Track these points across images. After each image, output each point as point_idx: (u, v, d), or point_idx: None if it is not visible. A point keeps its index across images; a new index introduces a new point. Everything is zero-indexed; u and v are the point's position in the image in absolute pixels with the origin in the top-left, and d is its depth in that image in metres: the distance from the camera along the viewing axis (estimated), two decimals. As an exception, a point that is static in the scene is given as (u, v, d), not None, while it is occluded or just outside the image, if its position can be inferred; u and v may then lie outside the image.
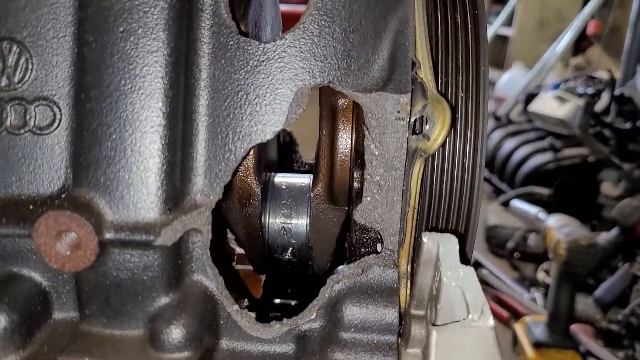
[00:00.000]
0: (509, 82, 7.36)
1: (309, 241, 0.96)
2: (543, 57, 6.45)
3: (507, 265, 4.18)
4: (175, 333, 0.68)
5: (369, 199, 0.75)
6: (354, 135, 0.86)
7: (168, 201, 0.69)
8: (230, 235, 1.10)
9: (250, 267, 1.12)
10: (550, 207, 4.13)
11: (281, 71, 0.71)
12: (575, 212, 4.29)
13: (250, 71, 0.71)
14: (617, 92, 4.67)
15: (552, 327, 2.98)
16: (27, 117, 0.71)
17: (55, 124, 0.71)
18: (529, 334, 3.07)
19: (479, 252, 4.23)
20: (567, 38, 6.23)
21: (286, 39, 0.72)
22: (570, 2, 8.64)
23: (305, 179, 1.01)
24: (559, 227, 2.93)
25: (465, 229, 0.73)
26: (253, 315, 0.74)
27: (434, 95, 0.70)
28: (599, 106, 4.76)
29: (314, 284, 1.00)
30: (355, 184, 0.83)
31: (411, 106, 0.71)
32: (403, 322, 0.73)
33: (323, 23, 0.72)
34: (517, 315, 3.50)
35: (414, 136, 0.71)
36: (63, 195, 0.70)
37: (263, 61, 0.71)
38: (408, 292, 0.73)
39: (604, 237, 3.44)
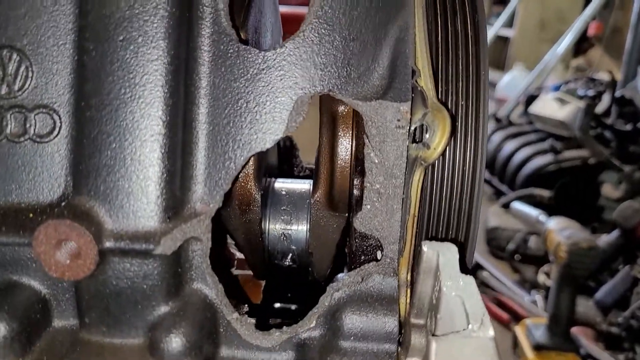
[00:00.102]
0: (509, 83, 7.36)
1: (309, 247, 0.96)
2: (544, 58, 6.45)
3: (508, 268, 4.18)
4: (175, 342, 0.68)
5: (369, 206, 0.75)
6: (354, 142, 0.85)
7: (168, 210, 0.69)
8: (230, 240, 1.10)
9: (250, 272, 1.12)
10: (550, 209, 4.13)
11: (281, 79, 0.71)
12: (576, 214, 4.29)
13: (250, 79, 0.71)
14: (618, 94, 4.67)
15: (553, 329, 2.98)
16: (27, 125, 0.71)
17: (55, 132, 0.71)
18: (529, 336, 3.07)
19: (479, 254, 4.22)
20: (567, 39, 6.23)
21: (286, 47, 0.71)
22: (571, 3, 8.65)
23: (305, 185, 1.00)
24: (560, 230, 2.93)
25: (465, 237, 0.73)
26: (253, 321, 0.74)
27: (434, 103, 0.70)
28: (600, 108, 4.76)
29: (314, 290, 1.00)
30: (355, 192, 0.83)
31: (411, 114, 0.71)
32: (403, 331, 0.73)
33: (323, 31, 0.71)
34: (517, 317, 3.50)
35: (414, 145, 0.71)
36: (63, 204, 0.70)
37: (263, 69, 0.71)
38: (408, 300, 0.73)
39: (605, 240, 3.44)
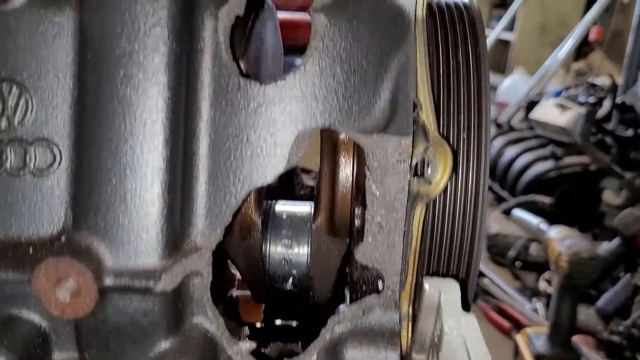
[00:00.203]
0: (510, 87, 7.37)
1: (310, 272, 0.95)
2: (545, 63, 6.45)
3: (509, 274, 4.18)
4: (176, 378, 0.67)
5: (370, 239, 0.74)
6: (355, 169, 0.85)
7: (168, 246, 0.69)
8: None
9: (251, 292, 1.11)
10: (551, 216, 4.13)
11: (282, 114, 0.71)
12: (577, 220, 4.30)
13: (251, 113, 0.71)
14: (618, 100, 4.67)
15: (554, 339, 2.98)
16: (27, 159, 0.71)
17: (55, 166, 0.71)
18: (530, 345, 3.07)
19: (480, 260, 4.22)
20: (569, 45, 6.23)
21: (287, 81, 0.71)
22: (572, 7, 8.66)
23: (306, 208, 1.00)
24: (561, 239, 2.93)
25: (466, 273, 0.73)
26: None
27: (436, 137, 0.70)
28: (601, 112, 4.76)
29: (314, 313, 1.00)
30: (357, 222, 0.82)
31: (413, 148, 0.70)
32: (404, 366, 0.72)
33: (324, 65, 0.71)
34: (518, 325, 3.49)
35: (415, 179, 0.71)
36: (63, 238, 0.70)
37: (264, 104, 0.71)
38: (409, 334, 0.73)
39: (606, 247, 3.44)
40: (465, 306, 0.64)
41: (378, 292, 0.76)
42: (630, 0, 6.11)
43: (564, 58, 6.37)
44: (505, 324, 3.53)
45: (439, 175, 0.68)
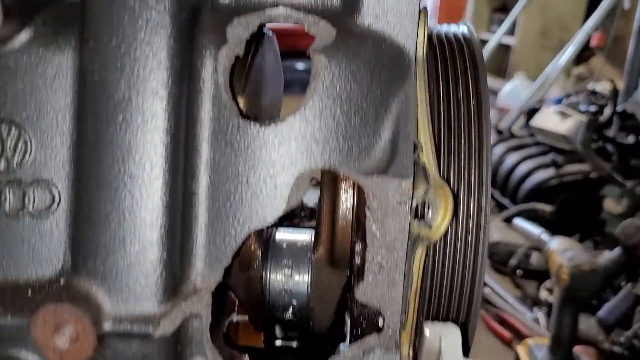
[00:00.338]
0: (511, 92, 7.37)
1: (310, 302, 0.95)
2: (545, 70, 6.44)
3: (510, 283, 4.17)
4: (175, 423, 0.67)
5: (370, 278, 0.74)
6: (355, 203, 0.85)
7: (167, 290, 0.68)
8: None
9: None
10: (552, 224, 4.13)
11: (282, 155, 0.71)
12: (578, 228, 4.29)
13: (250, 155, 0.71)
14: (619, 108, 4.66)
15: (555, 351, 2.97)
16: (26, 200, 0.71)
17: (54, 207, 0.71)
18: (531, 356, 3.06)
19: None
20: (570, 51, 6.23)
21: (287, 122, 0.71)
22: (573, 11, 8.65)
23: (306, 236, 1.00)
24: (562, 251, 2.92)
25: (466, 317, 0.73)
26: None
27: (437, 180, 0.70)
28: (601, 118, 4.76)
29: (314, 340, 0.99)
30: (357, 259, 0.82)
31: (413, 190, 0.70)
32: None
33: (324, 106, 0.71)
34: (519, 335, 3.48)
35: (416, 221, 0.70)
36: (62, 280, 0.70)
37: (263, 145, 0.71)
38: (410, 377, 0.73)
39: (607, 257, 3.43)
40: (466, 351, 0.64)
41: (378, 329, 0.76)
42: (631, 6, 6.11)
43: (565, 64, 6.36)
44: (506, 334, 3.52)
45: (440, 219, 0.68)
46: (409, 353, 0.73)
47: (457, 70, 0.78)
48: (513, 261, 4.15)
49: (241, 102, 0.79)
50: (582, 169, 4.66)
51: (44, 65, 0.71)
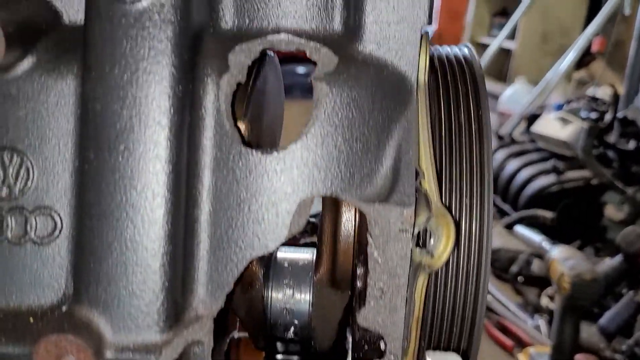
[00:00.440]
0: (512, 97, 7.37)
1: (312, 322, 0.95)
2: (546, 76, 6.44)
3: (511, 290, 4.17)
4: None
5: (372, 303, 0.74)
6: (356, 224, 0.85)
7: (169, 318, 0.68)
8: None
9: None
10: (553, 230, 4.12)
11: (283, 183, 0.71)
12: (579, 235, 4.29)
13: (252, 182, 0.71)
14: (620, 114, 4.66)
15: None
16: (28, 227, 0.71)
17: (56, 234, 0.71)
18: (533, 365, 3.06)
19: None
20: (570, 56, 6.23)
21: (288, 150, 0.71)
22: (574, 15, 8.66)
23: (307, 255, 1.00)
24: (563, 260, 2.92)
25: (467, 346, 0.73)
26: None
27: (438, 208, 0.70)
28: (602, 124, 4.76)
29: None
30: (358, 283, 0.82)
31: (415, 218, 0.70)
32: None
33: (325, 133, 0.71)
34: (521, 343, 3.48)
35: (417, 249, 0.70)
36: (63, 308, 0.70)
37: (265, 172, 0.71)
38: (412, 404, 0.73)
39: (608, 264, 3.43)
40: (468, 380, 0.64)
41: (380, 353, 0.76)
42: (632, 11, 6.11)
43: (566, 69, 6.37)
44: (508, 342, 3.52)
45: (442, 248, 0.68)
46: (411, 380, 0.73)
47: (458, 95, 0.78)
48: (514, 268, 4.15)
49: (242, 126, 0.79)
50: (583, 175, 4.66)
51: (46, 92, 0.71)
